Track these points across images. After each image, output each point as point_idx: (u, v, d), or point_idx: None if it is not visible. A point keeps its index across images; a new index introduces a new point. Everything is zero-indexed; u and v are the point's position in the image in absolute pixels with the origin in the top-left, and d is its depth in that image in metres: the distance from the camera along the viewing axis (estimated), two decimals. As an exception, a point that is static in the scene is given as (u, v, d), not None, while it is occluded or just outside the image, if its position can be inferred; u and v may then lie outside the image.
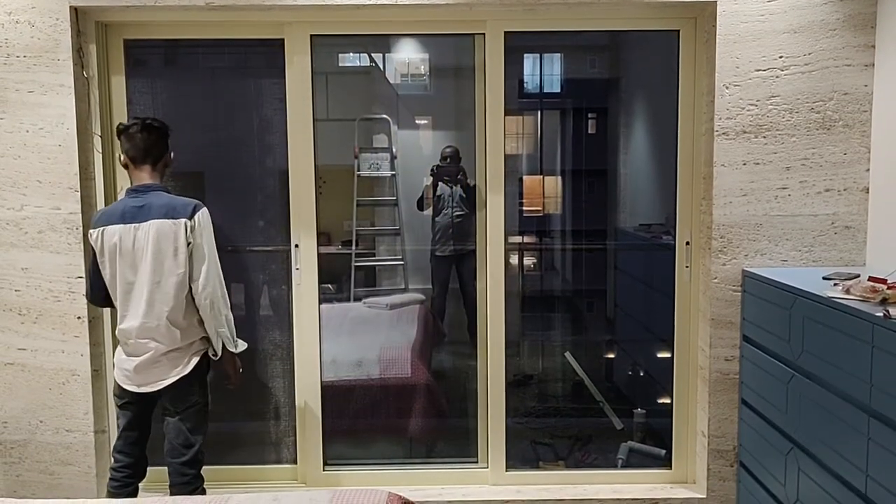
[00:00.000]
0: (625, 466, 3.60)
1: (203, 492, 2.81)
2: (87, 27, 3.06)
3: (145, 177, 2.74)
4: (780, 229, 3.00)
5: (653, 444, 3.65)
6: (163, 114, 3.41)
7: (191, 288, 2.68)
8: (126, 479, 2.81)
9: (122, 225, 2.65)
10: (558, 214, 5.10)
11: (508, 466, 3.38)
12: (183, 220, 2.64)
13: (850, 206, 2.98)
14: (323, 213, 3.40)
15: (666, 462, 3.40)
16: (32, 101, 2.99)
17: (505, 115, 3.24)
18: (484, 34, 3.18)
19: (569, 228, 5.12)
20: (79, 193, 3.02)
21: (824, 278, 2.63)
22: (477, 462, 3.43)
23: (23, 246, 3.04)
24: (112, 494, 2.81)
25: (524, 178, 5.14)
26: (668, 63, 3.24)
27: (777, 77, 2.95)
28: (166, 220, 2.64)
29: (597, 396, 4.29)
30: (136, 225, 2.65)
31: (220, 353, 2.77)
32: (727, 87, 2.96)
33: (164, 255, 2.64)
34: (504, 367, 3.32)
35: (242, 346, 2.87)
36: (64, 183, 3.02)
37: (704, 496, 3.17)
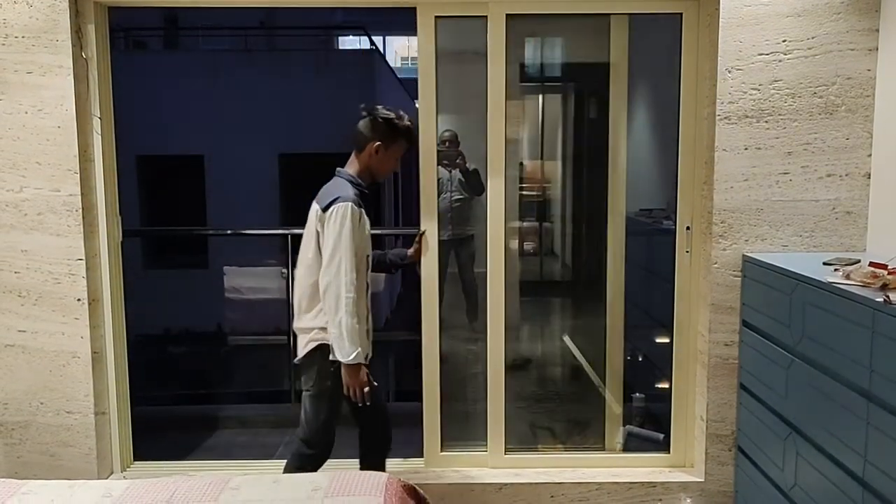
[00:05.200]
0: (623, 450, 3.61)
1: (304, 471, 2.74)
2: (85, 8, 3.03)
3: (350, 162, 2.83)
4: (782, 214, 2.99)
5: (651, 428, 3.66)
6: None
7: None
8: None
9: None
10: (559, 199, 5.09)
11: (507, 450, 3.39)
12: (318, 208, 2.70)
13: (851, 191, 2.97)
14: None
15: (664, 446, 3.41)
16: (31, 83, 2.97)
17: (506, 98, 3.22)
18: (486, 16, 3.16)
19: (569, 213, 5.11)
20: (78, 175, 3.01)
21: (825, 263, 2.63)
22: (476, 445, 3.44)
23: (22, 228, 3.03)
24: None
25: (525, 162, 5.13)
26: (669, 47, 3.22)
27: (780, 61, 2.93)
28: (316, 206, 2.73)
29: (595, 381, 4.30)
30: (313, 204, 2.78)
31: (336, 356, 2.67)
32: (729, 71, 2.94)
33: (308, 239, 2.74)
34: (503, 351, 3.32)
35: (353, 356, 2.63)
36: (63, 165, 3.00)
37: (702, 480, 3.19)
